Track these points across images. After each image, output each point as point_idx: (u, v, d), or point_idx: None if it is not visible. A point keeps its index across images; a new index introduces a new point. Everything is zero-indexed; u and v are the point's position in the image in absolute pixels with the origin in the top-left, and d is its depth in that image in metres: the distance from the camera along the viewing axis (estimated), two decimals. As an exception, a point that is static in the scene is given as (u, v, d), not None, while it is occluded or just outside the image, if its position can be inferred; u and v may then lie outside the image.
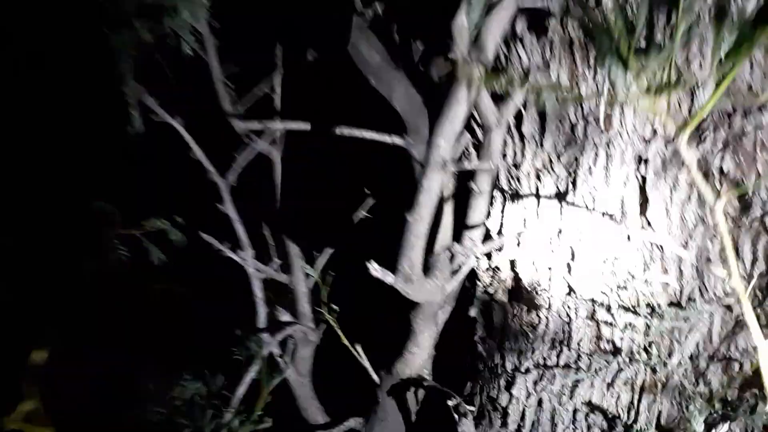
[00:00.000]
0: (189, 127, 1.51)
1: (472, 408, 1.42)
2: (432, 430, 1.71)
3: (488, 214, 1.45)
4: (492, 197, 1.45)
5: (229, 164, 1.56)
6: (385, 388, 1.52)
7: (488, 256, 1.55)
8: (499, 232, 1.48)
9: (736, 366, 1.41)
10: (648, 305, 1.34)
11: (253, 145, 1.57)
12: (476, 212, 1.23)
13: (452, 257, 1.23)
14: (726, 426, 1.37)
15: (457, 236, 1.42)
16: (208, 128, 1.55)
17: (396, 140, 1.45)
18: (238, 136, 1.57)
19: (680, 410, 1.42)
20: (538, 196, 1.41)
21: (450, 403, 1.33)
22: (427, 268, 1.17)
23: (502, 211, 1.48)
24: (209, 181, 1.57)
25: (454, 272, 1.35)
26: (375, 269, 1.03)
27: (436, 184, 1.01)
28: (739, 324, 1.40)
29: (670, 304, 1.35)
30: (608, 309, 1.41)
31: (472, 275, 1.67)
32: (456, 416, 1.29)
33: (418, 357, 1.40)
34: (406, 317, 1.47)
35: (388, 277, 1.05)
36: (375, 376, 1.55)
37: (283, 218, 1.67)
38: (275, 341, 1.55)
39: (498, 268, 1.57)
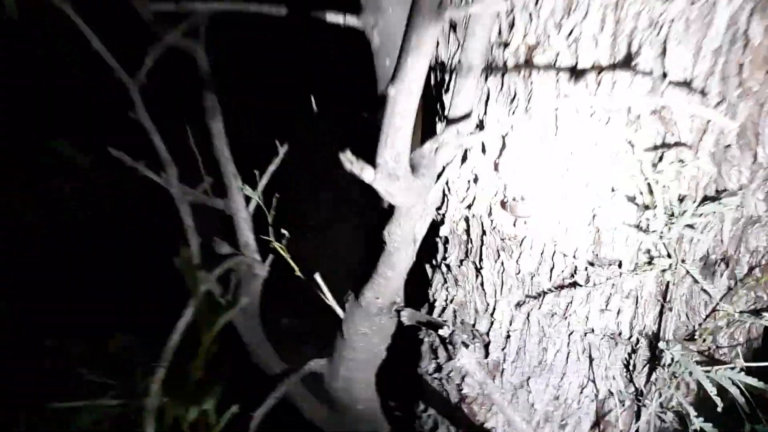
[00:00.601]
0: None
1: (467, 337, 1.20)
2: (410, 367, 1.50)
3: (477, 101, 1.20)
4: (483, 77, 1.19)
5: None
6: (351, 322, 1.28)
7: (465, 156, 1.31)
8: (481, 127, 1.24)
9: (746, 267, 1.26)
10: (655, 204, 1.15)
11: (166, 37, 1.24)
12: (463, 97, 0.98)
13: (437, 152, 0.98)
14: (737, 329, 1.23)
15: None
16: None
17: (351, 21, 1.17)
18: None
19: (689, 320, 1.26)
20: (529, 82, 1.17)
21: (442, 332, 1.11)
22: (412, 165, 0.91)
23: (486, 102, 1.23)
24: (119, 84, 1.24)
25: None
26: (349, 161, 0.76)
27: (429, 39, 0.74)
28: (751, 221, 1.24)
29: (682, 199, 1.16)
30: (608, 212, 1.21)
31: (443, 190, 1.43)
32: (451, 348, 1.06)
33: (392, 282, 1.16)
34: (372, 239, 1.23)
35: (367, 172, 0.79)
36: (338, 310, 1.31)
37: (215, 129, 1.36)
38: (213, 277, 1.27)
39: (477, 176, 1.34)
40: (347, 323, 1.30)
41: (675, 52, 1.06)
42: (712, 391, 1.07)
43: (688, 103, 1.02)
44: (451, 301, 1.51)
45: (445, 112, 1.16)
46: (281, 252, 1.35)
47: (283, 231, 1.37)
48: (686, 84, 1.09)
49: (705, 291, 1.20)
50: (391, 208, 1.11)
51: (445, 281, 1.53)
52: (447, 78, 1.30)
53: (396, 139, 0.82)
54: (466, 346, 1.07)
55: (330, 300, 1.29)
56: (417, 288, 1.60)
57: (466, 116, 0.99)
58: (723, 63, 1.06)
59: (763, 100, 1.15)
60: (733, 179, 1.19)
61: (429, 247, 1.58)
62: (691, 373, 1.11)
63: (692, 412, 1.11)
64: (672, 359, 1.15)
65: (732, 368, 1.12)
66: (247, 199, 1.40)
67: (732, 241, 1.25)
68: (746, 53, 1.05)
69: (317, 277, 1.29)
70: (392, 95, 0.79)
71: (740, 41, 1.05)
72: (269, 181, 1.42)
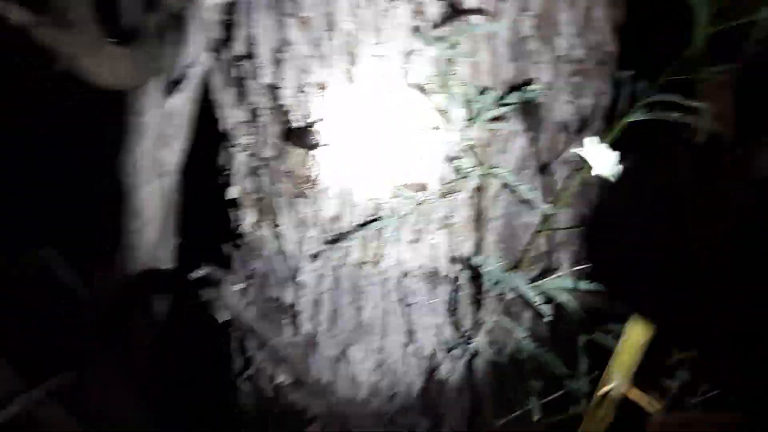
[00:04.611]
0: None
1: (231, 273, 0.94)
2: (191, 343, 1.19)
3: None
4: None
5: None
6: (100, 306, 0.97)
7: (240, 93, 1.07)
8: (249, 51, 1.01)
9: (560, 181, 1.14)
10: (455, 101, 0.98)
11: None
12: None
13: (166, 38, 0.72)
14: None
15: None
16: None
17: None
18: None
19: (511, 247, 1.10)
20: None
21: (200, 272, 0.84)
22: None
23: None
24: None
25: (175, 83, 0.84)
26: None
27: None
28: (562, 125, 1.12)
29: (484, 90, 1.00)
30: (405, 127, 1.03)
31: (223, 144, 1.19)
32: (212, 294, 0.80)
33: (143, 238, 0.87)
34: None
35: (16, 11, 0.51)
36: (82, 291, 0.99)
37: None
38: None
39: (256, 112, 1.11)
40: (95, 307, 0.99)
41: None
42: (535, 301, 0.91)
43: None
44: (252, 276, 1.25)
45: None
46: None
47: None
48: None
49: (525, 203, 1.05)
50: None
51: (243, 255, 1.27)
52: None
53: None
54: (220, 283, 0.81)
55: (66, 280, 0.97)
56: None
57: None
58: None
59: (555, -15, 1.04)
60: (536, 77, 1.06)
61: (222, 221, 1.32)
62: (515, 290, 0.94)
63: (521, 333, 0.94)
64: (494, 281, 0.97)
65: (559, 277, 0.96)
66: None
67: (549, 151, 1.12)
68: None
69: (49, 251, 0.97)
70: None
71: None
72: None
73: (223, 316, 0.87)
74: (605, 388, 0.51)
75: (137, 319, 0.98)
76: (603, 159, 0.55)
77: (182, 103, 0.89)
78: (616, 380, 0.50)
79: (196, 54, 0.89)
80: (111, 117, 0.81)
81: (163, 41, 0.78)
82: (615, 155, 0.83)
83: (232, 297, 0.80)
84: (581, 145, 0.88)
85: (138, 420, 1.04)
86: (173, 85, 0.86)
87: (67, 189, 1.05)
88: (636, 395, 0.56)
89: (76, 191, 0.99)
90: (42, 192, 1.12)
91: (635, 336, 0.48)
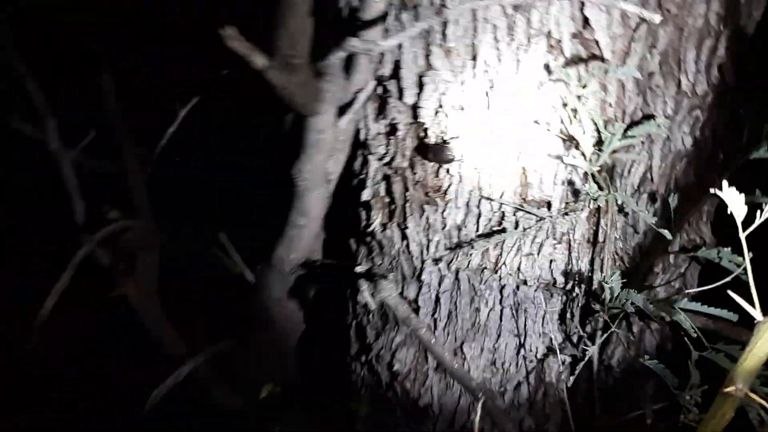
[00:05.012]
0: None
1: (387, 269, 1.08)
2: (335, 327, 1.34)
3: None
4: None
5: None
6: (262, 287, 1.14)
7: (382, 108, 1.21)
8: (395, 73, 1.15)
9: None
10: (583, 131, 1.08)
11: None
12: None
13: (348, 69, 0.87)
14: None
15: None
16: None
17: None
18: None
19: (624, 264, 1.19)
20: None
21: (358, 269, 0.98)
22: (316, 71, 0.80)
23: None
24: None
25: (346, 105, 0.99)
26: (236, 39, 0.64)
27: None
28: (679, 156, 1.20)
29: (609, 123, 1.09)
30: (534, 150, 1.14)
31: (360, 152, 1.33)
32: (368, 288, 0.94)
33: (305, 233, 1.03)
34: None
35: (257, 57, 0.67)
36: (248, 274, 1.16)
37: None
38: (95, 240, 1.10)
39: (395, 126, 1.25)
40: (258, 289, 1.15)
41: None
42: (653, 312, 0.99)
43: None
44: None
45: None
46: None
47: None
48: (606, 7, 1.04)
49: (635, 229, 1.14)
50: (300, 146, 0.99)
51: (370, 251, 1.41)
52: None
53: (291, 20, 0.70)
54: (385, 277, 0.94)
55: (238, 262, 1.14)
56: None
57: (378, 21, 0.89)
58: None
59: (682, 25, 1.11)
60: (659, 110, 1.15)
61: (351, 219, 1.47)
62: (633, 304, 1.03)
63: (636, 345, 1.03)
64: (612, 295, 1.06)
65: (675, 298, 1.04)
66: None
67: (662, 179, 1.20)
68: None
69: (223, 237, 1.15)
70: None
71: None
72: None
73: (372, 305, 1.00)
74: (728, 389, 0.59)
75: (292, 301, 1.14)
76: (739, 203, 0.62)
77: (348, 122, 1.04)
78: (740, 383, 0.58)
79: (364, 81, 1.04)
80: (293, 131, 0.97)
81: (348, 74, 0.93)
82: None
83: (391, 290, 0.93)
84: (703, 177, 0.96)
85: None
86: (345, 108, 1.01)
87: (247, 187, 1.23)
88: (753, 399, 0.64)
89: (255, 189, 1.15)
90: (227, 188, 1.31)
91: (764, 343, 0.56)
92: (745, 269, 0.69)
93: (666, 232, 1.03)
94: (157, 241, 1.20)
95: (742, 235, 0.66)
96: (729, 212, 0.68)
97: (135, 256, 1.22)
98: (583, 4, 1.05)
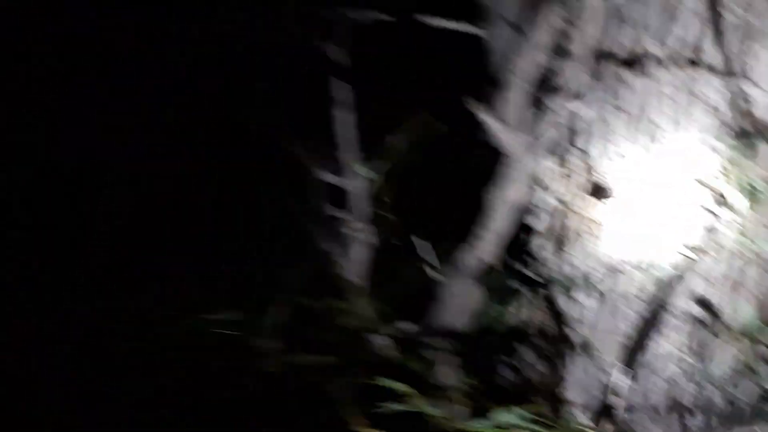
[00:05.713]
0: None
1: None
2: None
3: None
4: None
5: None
6: (447, 286, 1.46)
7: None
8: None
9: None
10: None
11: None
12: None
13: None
14: None
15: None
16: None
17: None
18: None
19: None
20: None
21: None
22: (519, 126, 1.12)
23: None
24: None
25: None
26: (476, 106, 0.96)
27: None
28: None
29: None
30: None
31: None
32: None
33: (487, 243, 1.33)
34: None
35: (494, 123, 0.98)
36: (436, 275, 1.49)
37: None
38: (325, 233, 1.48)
39: (566, 165, 1.51)
40: (444, 288, 1.47)
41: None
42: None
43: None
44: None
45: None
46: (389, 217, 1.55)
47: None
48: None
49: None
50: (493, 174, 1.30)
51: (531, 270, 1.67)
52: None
53: (512, 94, 1.02)
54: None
55: (431, 261, 1.47)
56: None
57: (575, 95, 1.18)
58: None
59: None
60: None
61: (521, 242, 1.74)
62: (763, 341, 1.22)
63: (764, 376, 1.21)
64: (747, 330, 1.25)
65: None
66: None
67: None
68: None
69: (416, 240, 1.48)
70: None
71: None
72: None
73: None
74: None
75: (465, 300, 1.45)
76: None
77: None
78: None
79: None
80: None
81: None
82: None
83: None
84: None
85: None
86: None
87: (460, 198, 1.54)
88: None
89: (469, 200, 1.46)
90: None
91: None
92: None
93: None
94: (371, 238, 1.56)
95: None
96: None
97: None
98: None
